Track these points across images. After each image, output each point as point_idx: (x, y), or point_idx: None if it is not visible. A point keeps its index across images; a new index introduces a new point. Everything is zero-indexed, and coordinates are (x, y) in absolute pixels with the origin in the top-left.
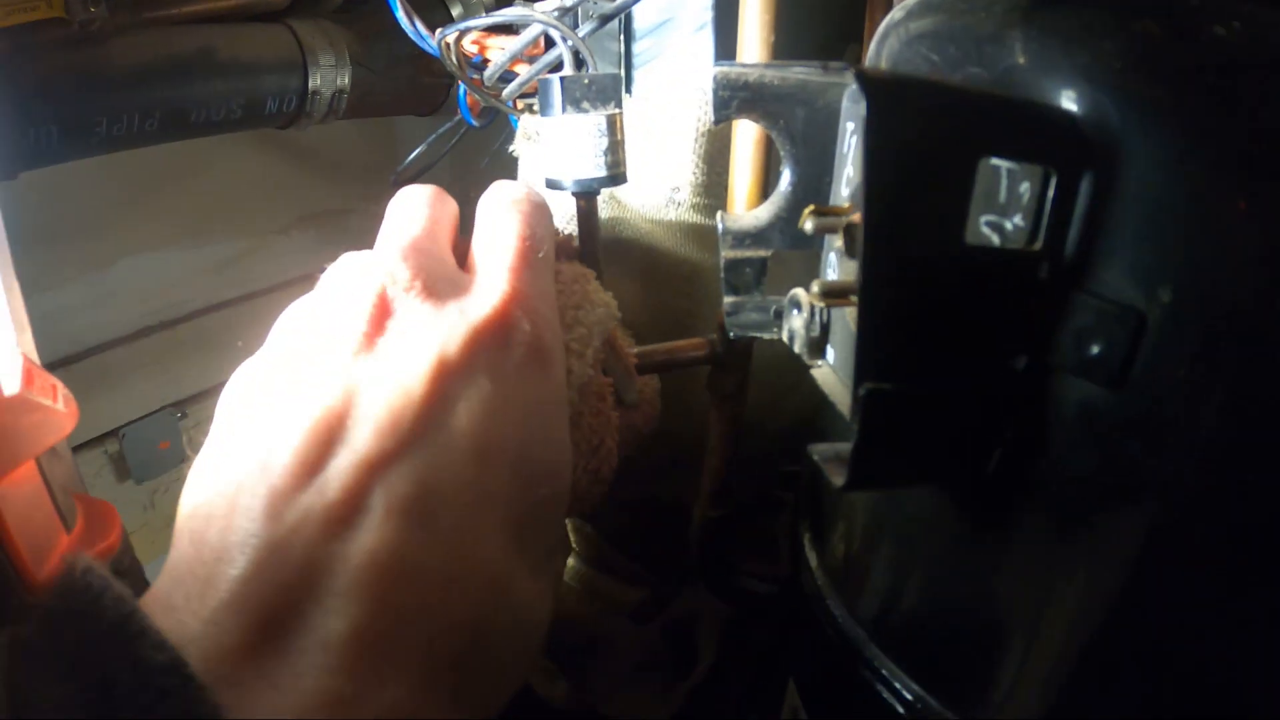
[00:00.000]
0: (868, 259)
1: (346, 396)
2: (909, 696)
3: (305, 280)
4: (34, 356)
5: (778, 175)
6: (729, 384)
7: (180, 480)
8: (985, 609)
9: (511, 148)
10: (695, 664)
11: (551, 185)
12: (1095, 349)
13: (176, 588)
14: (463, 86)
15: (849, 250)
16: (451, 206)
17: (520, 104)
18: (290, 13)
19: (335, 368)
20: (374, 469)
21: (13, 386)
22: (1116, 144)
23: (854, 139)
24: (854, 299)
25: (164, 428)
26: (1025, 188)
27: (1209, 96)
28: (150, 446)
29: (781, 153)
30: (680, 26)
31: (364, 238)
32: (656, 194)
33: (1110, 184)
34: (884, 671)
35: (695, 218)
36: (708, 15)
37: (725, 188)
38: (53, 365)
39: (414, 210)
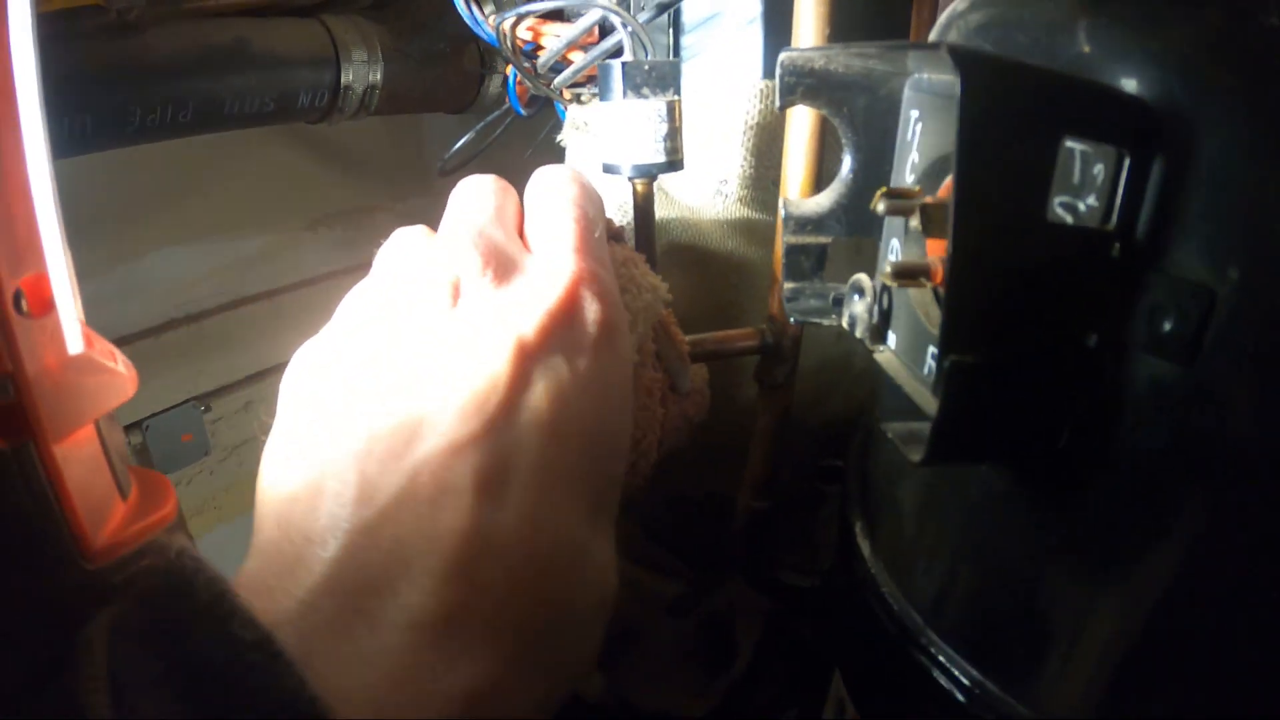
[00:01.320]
0: (957, 232)
1: (430, 383)
2: (967, 682)
3: (332, 277)
4: None
5: (830, 166)
6: (778, 374)
7: (203, 473)
8: (1047, 591)
9: (560, 138)
10: (733, 658)
11: (609, 170)
12: (1167, 325)
13: (267, 568)
14: (512, 75)
15: (925, 229)
16: (514, 195)
17: (569, 94)
18: (324, 7)
19: (415, 353)
20: (459, 452)
21: (77, 345)
22: (1188, 128)
23: (919, 126)
24: (923, 280)
25: (187, 420)
26: (1099, 169)
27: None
28: (173, 439)
29: (843, 140)
30: (729, 20)
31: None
32: (704, 187)
33: (1182, 167)
34: (941, 657)
35: (742, 211)
36: (757, 9)
37: (773, 181)
38: None
39: (479, 197)
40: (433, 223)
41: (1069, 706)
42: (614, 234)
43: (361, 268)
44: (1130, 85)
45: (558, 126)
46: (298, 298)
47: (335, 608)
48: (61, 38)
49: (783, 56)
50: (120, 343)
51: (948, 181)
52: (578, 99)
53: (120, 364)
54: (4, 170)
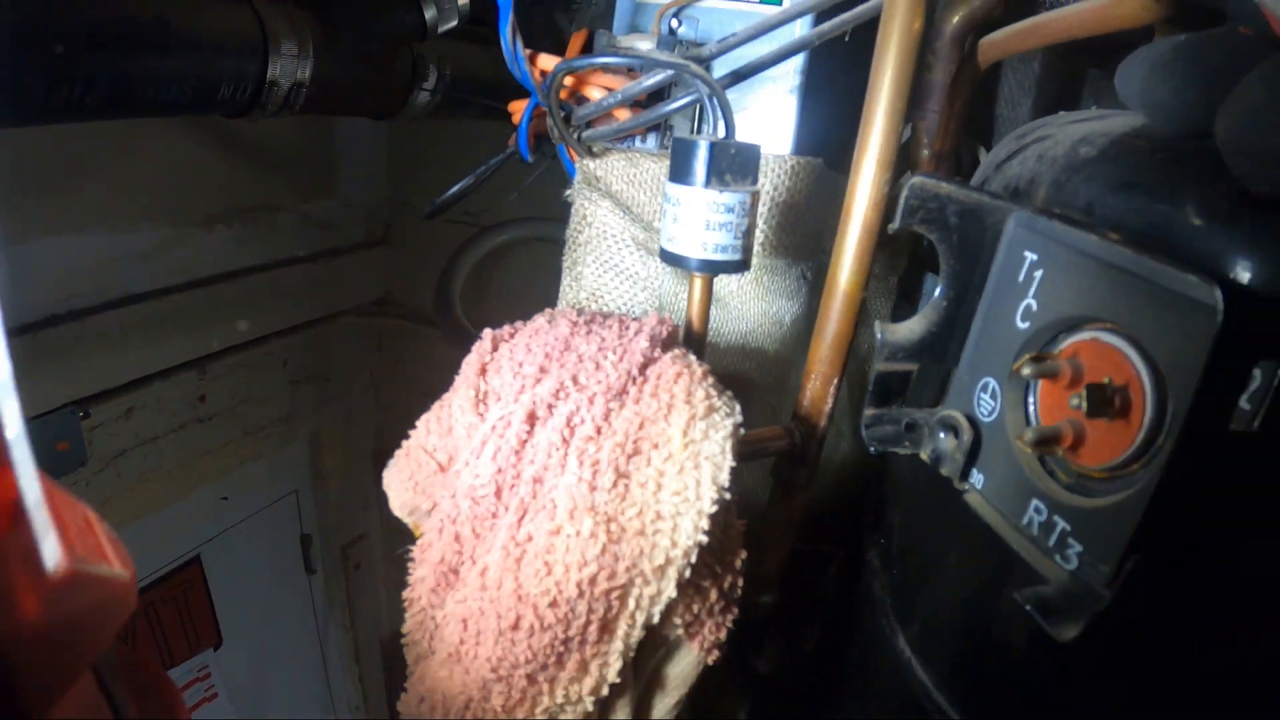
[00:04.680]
0: (1174, 457)
1: None
2: None
3: (228, 278)
4: None
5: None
6: (801, 476)
7: (79, 485)
8: None
9: (568, 193)
10: None
11: (671, 260)
12: None
13: None
14: (524, 123)
15: (1092, 410)
16: None
17: (598, 148)
18: None
19: None
20: None
21: (54, 554)
22: None
23: (1039, 273)
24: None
25: (63, 427)
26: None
27: None
28: (47, 447)
29: (942, 266)
30: (769, 84)
31: (293, 237)
32: None
33: None
34: None
35: (756, 290)
36: (797, 80)
37: (790, 263)
38: None
39: None
40: (338, 227)
41: None
42: (670, 338)
43: (261, 269)
44: None
45: (546, 173)
46: (190, 298)
47: None
48: None
49: (913, 180)
50: None
51: (1072, 345)
52: (589, 150)
53: (114, 556)
54: None
